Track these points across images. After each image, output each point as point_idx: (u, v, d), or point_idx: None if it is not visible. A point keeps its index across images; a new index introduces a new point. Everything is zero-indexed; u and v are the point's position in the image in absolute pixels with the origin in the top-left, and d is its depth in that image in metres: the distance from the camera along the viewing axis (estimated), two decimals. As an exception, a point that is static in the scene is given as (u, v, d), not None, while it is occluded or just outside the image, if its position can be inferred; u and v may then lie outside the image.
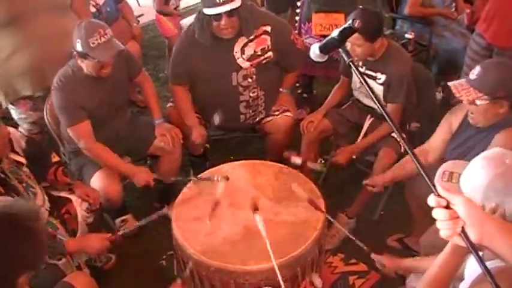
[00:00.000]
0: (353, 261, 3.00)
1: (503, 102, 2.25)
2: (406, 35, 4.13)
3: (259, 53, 3.11)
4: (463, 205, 1.25)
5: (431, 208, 1.28)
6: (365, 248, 2.44)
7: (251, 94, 3.21)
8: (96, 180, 2.91)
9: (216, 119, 3.16)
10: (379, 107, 1.40)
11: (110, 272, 3.00)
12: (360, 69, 3.03)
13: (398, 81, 2.94)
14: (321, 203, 2.46)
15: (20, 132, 2.74)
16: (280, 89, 3.40)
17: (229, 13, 2.88)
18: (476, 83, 2.27)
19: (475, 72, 2.28)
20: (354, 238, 2.46)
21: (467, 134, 2.47)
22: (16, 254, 1.74)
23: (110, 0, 4.09)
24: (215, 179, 2.58)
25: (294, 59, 3.29)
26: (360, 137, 3.17)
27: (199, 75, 3.14)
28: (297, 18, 3.92)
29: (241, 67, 3.11)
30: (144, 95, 3.31)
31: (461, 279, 1.76)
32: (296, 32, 3.71)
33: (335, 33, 1.47)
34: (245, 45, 3.08)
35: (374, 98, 1.42)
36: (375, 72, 3.00)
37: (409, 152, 1.36)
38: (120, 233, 2.65)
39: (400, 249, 3.05)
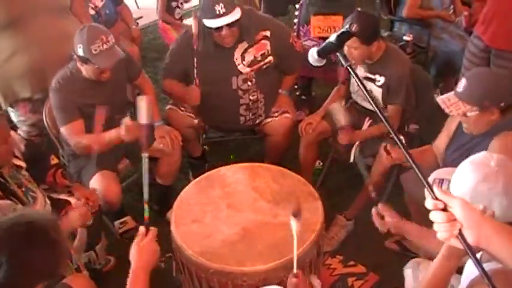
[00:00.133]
0: (352, 263, 3.02)
1: (493, 109, 2.26)
2: (405, 37, 4.13)
3: (259, 58, 3.13)
4: (460, 207, 1.26)
5: (430, 210, 1.29)
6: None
7: (251, 97, 3.22)
8: (95, 183, 2.91)
9: None
10: (377, 110, 1.41)
11: (109, 274, 2.99)
12: (358, 71, 3.04)
13: (397, 83, 2.95)
14: (319, 205, 2.48)
15: (19, 135, 2.74)
16: (279, 91, 3.41)
17: (230, 24, 2.90)
18: (463, 95, 2.29)
19: (461, 85, 2.31)
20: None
21: (461, 140, 2.49)
22: (31, 263, 1.73)
23: (109, 2, 4.10)
24: None
25: (293, 62, 3.30)
26: (363, 129, 3.17)
27: (198, 78, 3.15)
28: (296, 20, 3.92)
29: (241, 72, 3.12)
30: (144, 97, 3.31)
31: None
32: (295, 34, 3.72)
33: (332, 37, 1.48)
34: (245, 51, 3.09)
35: (372, 102, 1.43)
36: (374, 74, 3.00)
37: (406, 155, 1.37)
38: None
39: (398, 251, 3.05)
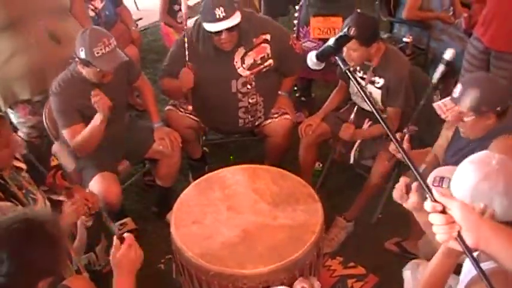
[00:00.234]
0: (351, 264, 3.02)
1: (490, 114, 2.27)
2: (404, 39, 4.13)
3: (259, 61, 3.13)
4: (459, 210, 1.26)
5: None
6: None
7: (250, 100, 3.22)
8: (95, 184, 2.91)
9: None
10: (375, 112, 1.42)
11: (109, 276, 2.98)
12: (358, 73, 3.04)
13: (396, 85, 2.95)
14: (318, 206, 2.48)
15: (19, 137, 2.74)
16: (279, 92, 3.41)
17: (230, 29, 2.90)
18: (459, 101, 2.29)
19: (457, 91, 2.31)
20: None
21: (458, 145, 2.49)
22: (32, 260, 1.73)
23: (109, 4, 4.09)
24: None
25: (293, 64, 3.30)
26: (358, 142, 3.17)
27: (197, 81, 3.15)
28: (295, 22, 3.92)
29: (241, 75, 3.13)
30: (143, 99, 3.31)
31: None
32: (294, 35, 3.72)
33: (331, 41, 1.49)
34: (245, 54, 3.10)
35: (370, 105, 1.43)
36: (373, 76, 3.01)
37: (405, 157, 1.37)
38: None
39: (398, 252, 3.06)
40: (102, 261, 2.96)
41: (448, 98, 2.36)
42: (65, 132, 2.88)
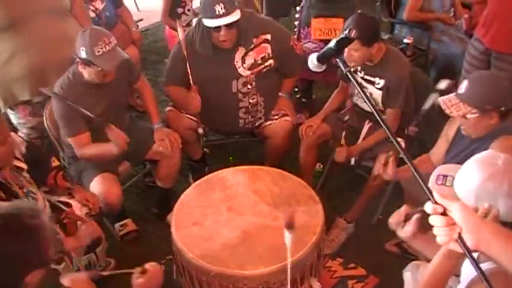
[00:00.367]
0: (352, 265, 3.02)
1: (493, 113, 2.26)
2: (405, 40, 4.14)
3: (260, 61, 3.13)
4: (459, 211, 1.26)
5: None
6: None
7: (250, 100, 3.22)
8: (96, 185, 2.91)
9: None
10: (376, 114, 1.42)
11: (109, 276, 3.00)
12: (359, 74, 3.04)
13: (397, 86, 2.95)
14: (319, 208, 2.48)
15: (20, 137, 2.74)
16: (279, 94, 3.41)
17: (229, 25, 2.90)
18: (465, 97, 2.28)
19: (463, 87, 2.30)
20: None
21: (461, 146, 2.48)
22: (14, 253, 1.71)
23: (109, 5, 4.09)
24: None
25: (294, 65, 3.31)
26: (359, 142, 3.17)
27: (198, 81, 3.15)
28: (296, 23, 3.93)
29: (241, 75, 3.13)
30: (143, 100, 3.31)
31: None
32: (295, 37, 3.72)
33: (332, 43, 1.49)
34: (246, 54, 3.10)
35: (371, 106, 1.43)
36: (374, 77, 3.01)
37: (405, 158, 1.37)
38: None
39: (398, 253, 3.06)
40: (102, 262, 2.97)
41: (453, 94, 2.36)
42: (71, 141, 2.88)
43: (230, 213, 2.51)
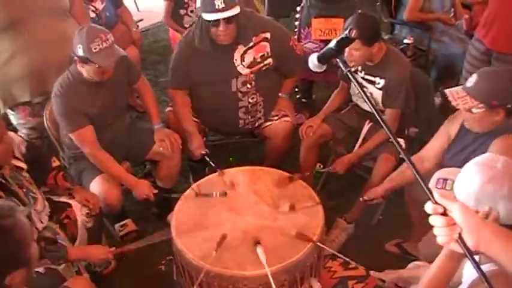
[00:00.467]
0: (352, 265, 3.01)
1: (499, 110, 2.25)
2: (405, 40, 4.14)
3: (259, 60, 3.13)
4: (459, 212, 1.26)
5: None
6: (363, 268, 2.55)
7: (250, 100, 3.22)
8: (96, 185, 2.91)
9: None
10: (376, 114, 1.42)
11: (109, 277, 3.00)
12: (359, 73, 3.04)
13: (397, 86, 2.95)
14: (319, 208, 2.48)
15: (20, 137, 2.74)
16: (279, 94, 3.40)
17: (228, 20, 2.90)
18: (472, 90, 2.27)
19: (472, 80, 2.29)
20: (349, 260, 2.54)
21: (464, 142, 2.47)
22: None
23: (109, 5, 4.10)
24: (214, 194, 2.60)
25: (293, 65, 3.30)
26: (359, 142, 3.17)
27: (198, 80, 3.15)
28: (297, 23, 3.93)
29: (240, 74, 3.12)
30: (143, 101, 3.31)
31: (459, 282, 1.76)
32: (295, 37, 3.72)
33: (332, 43, 1.49)
34: (245, 52, 3.09)
35: (371, 106, 1.43)
36: (374, 76, 3.01)
37: (405, 159, 1.37)
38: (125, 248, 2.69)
39: (398, 254, 3.05)
40: (102, 262, 2.97)
41: (460, 87, 2.35)
42: (74, 137, 2.87)
43: (230, 214, 2.51)
